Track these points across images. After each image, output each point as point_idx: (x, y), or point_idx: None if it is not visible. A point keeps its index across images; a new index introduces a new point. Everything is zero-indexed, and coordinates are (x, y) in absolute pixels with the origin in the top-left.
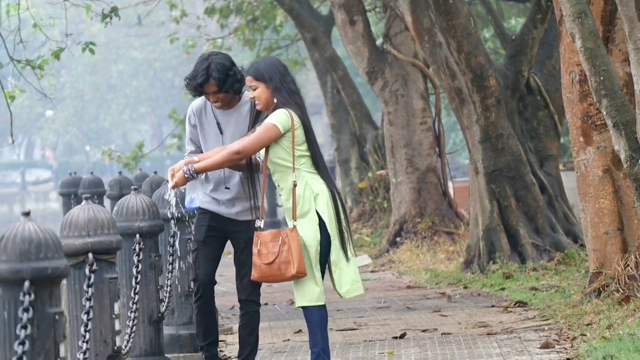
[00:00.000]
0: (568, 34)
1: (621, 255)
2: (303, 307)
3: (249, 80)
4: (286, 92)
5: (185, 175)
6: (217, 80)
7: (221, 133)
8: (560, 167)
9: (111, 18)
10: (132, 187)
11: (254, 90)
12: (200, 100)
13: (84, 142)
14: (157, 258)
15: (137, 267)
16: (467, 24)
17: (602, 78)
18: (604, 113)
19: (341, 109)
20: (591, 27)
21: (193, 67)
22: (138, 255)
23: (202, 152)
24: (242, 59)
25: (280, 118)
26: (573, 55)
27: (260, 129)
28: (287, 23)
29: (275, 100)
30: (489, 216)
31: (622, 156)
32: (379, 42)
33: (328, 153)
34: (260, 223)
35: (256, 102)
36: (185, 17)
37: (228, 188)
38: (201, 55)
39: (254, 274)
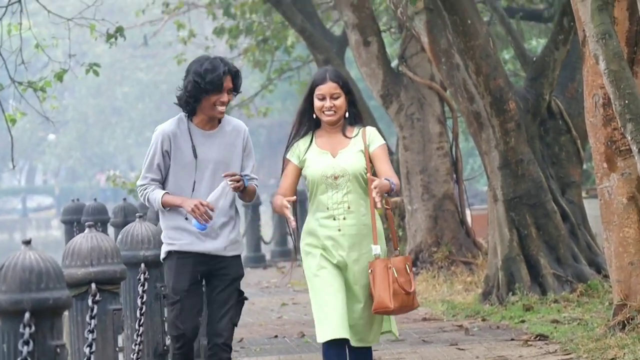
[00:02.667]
0: (591, 55)
1: None
2: (364, 347)
3: (332, 87)
4: (359, 108)
5: (393, 189)
6: (235, 75)
7: (195, 157)
8: (583, 194)
9: (116, 38)
10: (137, 214)
11: (336, 98)
12: (172, 123)
13: (87, 168)
14: (162, 288)
15: (141, 297)
16: (486, 45)
17: (626, 101)
18: (629, 138)
19: None
20: (616, 49)
21: (190, 72)
22: (143, 285)
23: (163, 183)
24: (252, 80)
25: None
26: (596, 78)
27: (385, 154)
28: (299, 44)
29: (346, 115)
30: (509, 245)
31: None
32: (394, 63)
33: None
34: (378, 250)
35: (330, 112)
36: (193, 37)
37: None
38: (197, 59)
39: (395, 304)
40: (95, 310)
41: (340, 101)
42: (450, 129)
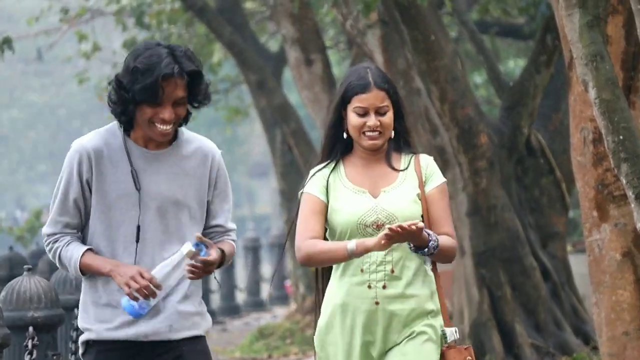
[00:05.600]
0: (579, 81)
1: None
2: None
3: (380, 97)
4: (408, 125)
5: (431, 247)
6: (192, 76)
7: (138, 189)
8: (568, 248)
9: (3, 51)
10: (25, 266)
11: (383, 114)
12: (96, 135)
13: None
14: (55, 357)
15: None
16: (453, 67)
17: (621, 137)
18: (624, 181)
19: (293, 170)
20: (609, 74)
21: (128, 65)
22: (31, 353)
23: (82, 229)
24: None
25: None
26: (585, 108)
27: (445, 197)
28: (227, 61)
29: (392, 135)
30: (478, 308)
31: None
32: None
33: (277, 226)
34: (456, 335)
35: (375, 134)
36: (98, 51)
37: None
38: (137, 47)
39: None
40: None
41: (389, 118)
42: None
